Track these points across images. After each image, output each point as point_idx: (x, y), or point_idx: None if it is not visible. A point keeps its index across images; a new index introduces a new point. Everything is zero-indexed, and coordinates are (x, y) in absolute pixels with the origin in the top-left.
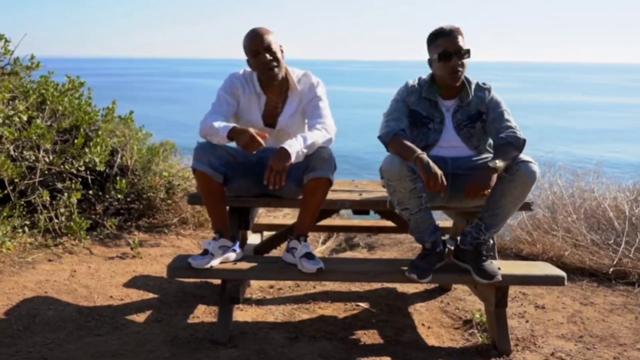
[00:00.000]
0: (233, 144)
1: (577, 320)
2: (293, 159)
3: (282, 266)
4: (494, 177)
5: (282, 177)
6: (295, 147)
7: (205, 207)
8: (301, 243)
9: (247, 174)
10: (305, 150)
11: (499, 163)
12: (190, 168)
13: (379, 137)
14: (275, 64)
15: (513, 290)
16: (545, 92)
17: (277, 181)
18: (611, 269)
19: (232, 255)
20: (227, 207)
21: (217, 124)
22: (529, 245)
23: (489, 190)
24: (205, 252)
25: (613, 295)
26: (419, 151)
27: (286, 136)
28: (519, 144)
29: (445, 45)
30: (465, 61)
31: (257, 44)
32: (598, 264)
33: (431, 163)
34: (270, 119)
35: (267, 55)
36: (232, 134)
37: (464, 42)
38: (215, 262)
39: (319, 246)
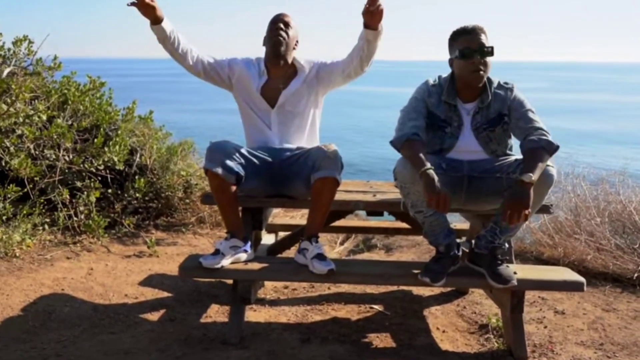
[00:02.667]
0: (244, 143)
1: (598, 327)
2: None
3: (294, 267)
4: (531, 192)
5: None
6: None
7: (218, 208)
8: (312, 244)
9: (259, 175)
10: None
11: (534, 176)
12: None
13: (391, 143)
14: (284, 36)
15: (532, 294)
16: (573, 91)
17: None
18: (636, 275)
19: (243, 256)
20: (240, 208)
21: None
22: (550, 248)
23: (530, 210)
24: (217, 252)
25: (637, 302)
26: (427, 165)
27: (288, 115)
28: (552, 149)
29: (466, 43)
30: (488, 60)
31: (278, 16)
32: (622, 268)
33: (436, 181)
34: (270, 97)
35: (282, 26)
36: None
37: (487, 40)
38: (226, 262)
39: (337, 247)
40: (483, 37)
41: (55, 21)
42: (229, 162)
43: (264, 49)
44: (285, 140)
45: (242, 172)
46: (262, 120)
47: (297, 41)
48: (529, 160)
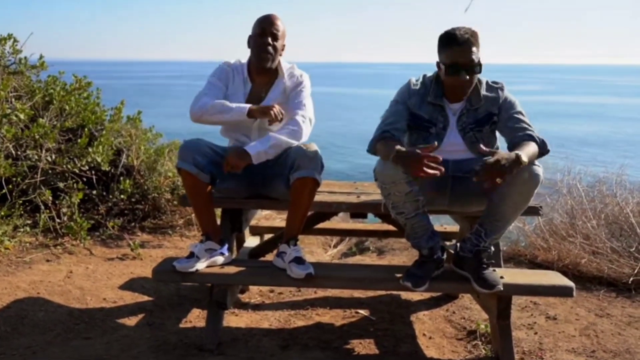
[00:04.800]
0: (219, 143)
1: (591, 333)
2: (254, 161)
3: (271, 271)
4: (515, 170)
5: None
6: (257, 148)
7: (192, 208)
8: (290, 247)
9: (238, 175)
10: (270, 151)
11: (525, 159)
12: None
13: (367, 151)
14: (271, 51)
15: (523, 299)
16: (570, 94)
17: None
18: (631, 279)
19: (219, 259)
20: (219, 209)
21: (227, 102)
22: (544, 251)
23: (501, 180)
24: (192, 255)
25: (632, 307)
26: (394, 150)
27: (266, 123)
28: (539, 140)
29: (455, 57)
30: (480, 71)
31: (267, 25)
32: (617, 272)
33: (407, 151)
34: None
35: (270, 40)
36: (254, 113)
37: (477, 53)
38: (201, 266)
39: (330, 250)
40: (474, 50)
41: (41, 22)
42: (202, 161)
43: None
44: None
45: (216, 170)
46: (242, 133)
47: (283, 47)
48: (523, 145)
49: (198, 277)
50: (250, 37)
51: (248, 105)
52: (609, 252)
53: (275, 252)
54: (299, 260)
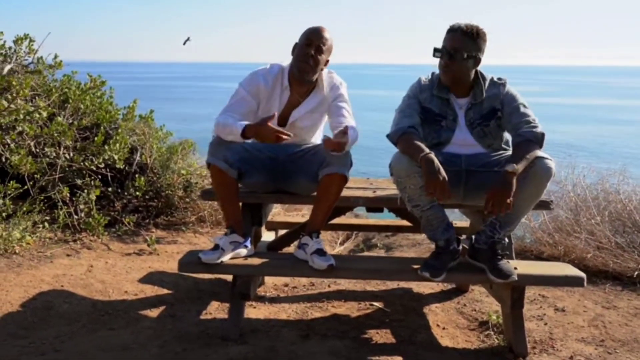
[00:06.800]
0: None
1: (599, 323)
2: (347, 148)
3: (294, 262)
4: (514, 181)
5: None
6: (352, 137)
7: (219, 203)
8: (313, 239)
9: (262, 170)
10: (351, 145)
11: (517, 166)
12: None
13: (388, 136)
14: (312, 63)
15: (532, 292)
16: (570, 96)
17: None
18: (636, 273)
19: (243, 251)
20: (240, 204)
21: (232, 121)
22: (550, 247)
23: (512, 199)
24: (216, 247)
25: (638, 299)
26: (426, 151)
27: (298, 130)
28: (538, 138)
29: (444, 42)
30: (462, 64)
31: (314, 37)
32: (622, 267)
33: (436, 164)
34: (285, 114)
35: (314, 52)
36: (248, 132)
37: (469, 45)
38: (225, 258)
39: (337, 247)
40: (463, 39)
41: (57, 24)
42: (231, 156)
43: (291, 57)
44: (293, 141)
45: (244, 166)
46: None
47: (327, 61)
48: (516, 152)
49: (223, 269)
50: (295, 44)
51: (245, 123)
52: (613, 247)
53: (296, 244)
54: (320, 252)
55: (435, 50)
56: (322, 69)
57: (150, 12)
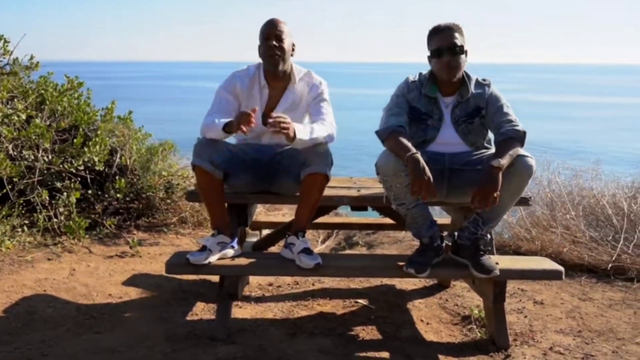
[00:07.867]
0: (232, 140)
1: (576, 315)
2: (298, 136)
3: (281, 262)
4: (500, 176)
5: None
6: (300, 130)
7: (205, 204)
8: (299, 239)
9: (247, 171)
10: (307, 140)
11: (502, 161)
12: (189, 166)
13: (377, 132)
14: (279, 53)
15: (512, 286)
16: (547, 93)
17: (277, 124)
18: (610, 265)
19: (230, 252)
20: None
21: (216, 120)
22: (527, 242)
23: (498, 193)
24: (204, 248)
25: (612, 291)
26: (413, 150)
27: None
28: (520, 136)
29: (439, 42)
30: (462, 58)
31: (270, 29)
32: (597, 260)
33: (422, 164)
34: (268, 113)
35: (275, 43)
36: (227, 127)
37: (460, 39)
38: (213, 258)
39: (319, 245)
40: (456, 35)
41: (30, 23)
42: (216, 158)
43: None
44: (276, 142)
45: (229, 168)
46: (251, 137)
47: (293, 46)
48: (499, 148)
49: (211, 269)
50: (258, 46)
51: (225, 121)
52: (588, 241)
53: (282, 243)
54: (307, 251)
55: (434, 51)
56: (292, 54)
57: (105, 9)
